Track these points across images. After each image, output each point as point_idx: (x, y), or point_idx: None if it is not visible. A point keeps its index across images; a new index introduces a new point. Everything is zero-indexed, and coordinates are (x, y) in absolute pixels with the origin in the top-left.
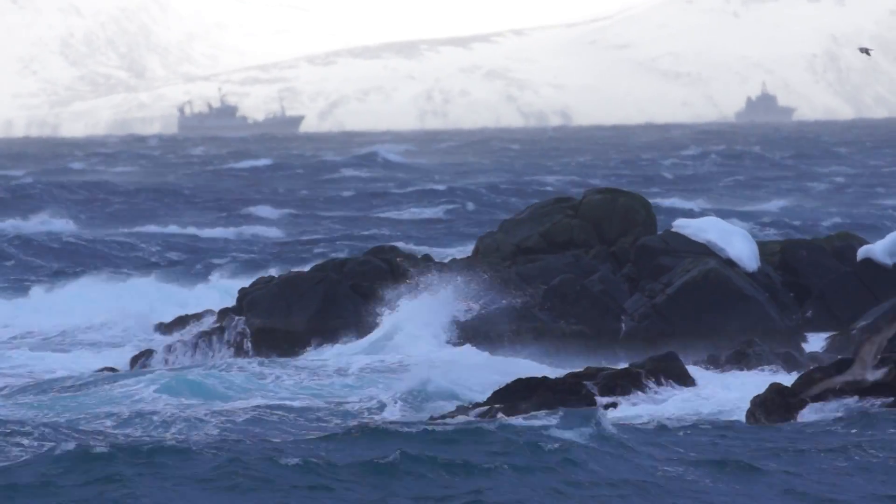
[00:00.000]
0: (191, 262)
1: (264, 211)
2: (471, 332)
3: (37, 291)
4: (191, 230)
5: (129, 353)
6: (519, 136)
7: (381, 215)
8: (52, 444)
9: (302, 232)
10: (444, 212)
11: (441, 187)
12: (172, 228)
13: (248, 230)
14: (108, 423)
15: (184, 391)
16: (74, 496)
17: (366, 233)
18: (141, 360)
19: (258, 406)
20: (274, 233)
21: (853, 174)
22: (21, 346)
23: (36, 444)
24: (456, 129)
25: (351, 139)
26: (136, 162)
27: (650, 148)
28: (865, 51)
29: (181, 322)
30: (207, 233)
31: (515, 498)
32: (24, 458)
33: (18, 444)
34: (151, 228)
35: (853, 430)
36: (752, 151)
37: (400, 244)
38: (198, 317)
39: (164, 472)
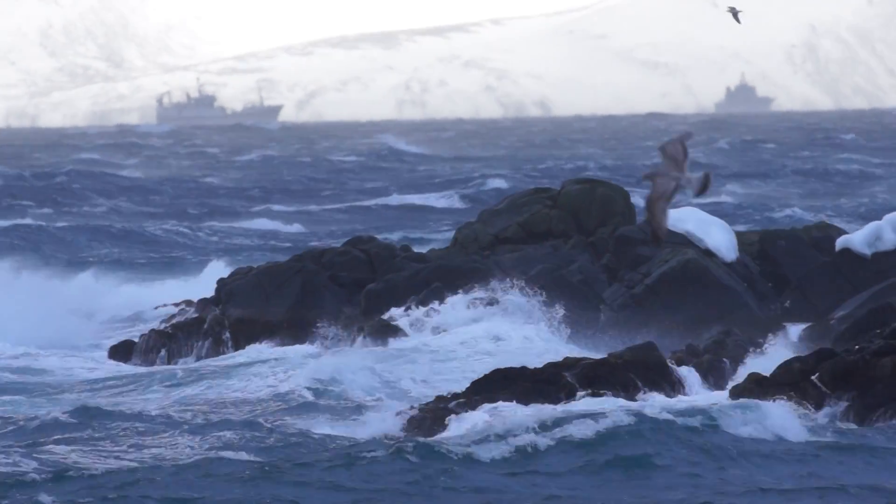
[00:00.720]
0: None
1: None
2: None
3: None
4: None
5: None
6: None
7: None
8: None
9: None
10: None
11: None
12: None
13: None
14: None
15: None
16: None
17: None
18: (121, 351)
19: None
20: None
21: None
22: None
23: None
24: (437, 118)
25: (357, 129)
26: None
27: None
28: (733, 11)
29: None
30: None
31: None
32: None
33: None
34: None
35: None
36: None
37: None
38: (176, 307)
39: None
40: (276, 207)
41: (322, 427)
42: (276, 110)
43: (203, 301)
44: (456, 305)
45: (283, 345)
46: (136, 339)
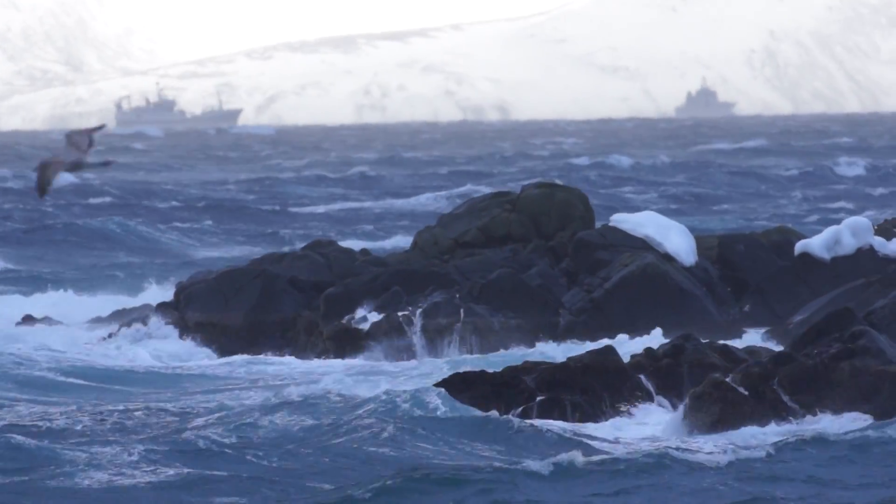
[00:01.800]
0: None
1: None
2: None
3: None
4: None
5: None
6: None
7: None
8: None
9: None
10: None
11: None
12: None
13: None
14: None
15: None
16: None
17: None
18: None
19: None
20: None
21: None
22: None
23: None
24: (393, 121)
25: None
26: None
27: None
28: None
29: (119, 316)
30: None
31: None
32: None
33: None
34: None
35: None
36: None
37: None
38: (136, 311)
39: None
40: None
41: (298, 419)
42: (235, 114)
43: (162, 305)
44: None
45: (244, 350)
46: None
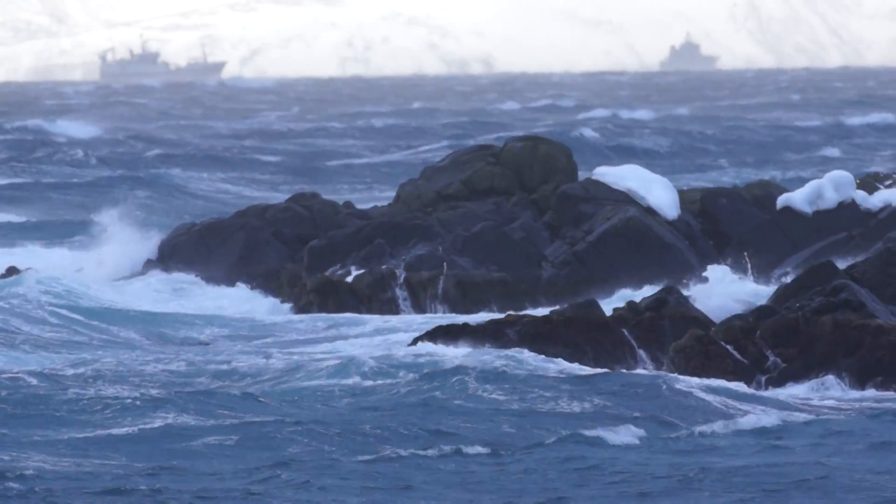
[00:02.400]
0: None
1: None
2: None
3: None
4: None
5: None
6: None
7: None
8: None
9: None
10: None
11: None
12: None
13: None
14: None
15: None
16: None
17: None
18: None
19: None
20: None
21: None
22: None
23: None
24: (377, 75)
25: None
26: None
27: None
28: None
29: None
30: None
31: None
32: None
33: None
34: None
35: None
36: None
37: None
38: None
39: None
40: None
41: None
42: (219, 67)
43: (147, 261)
44: None
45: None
46: None
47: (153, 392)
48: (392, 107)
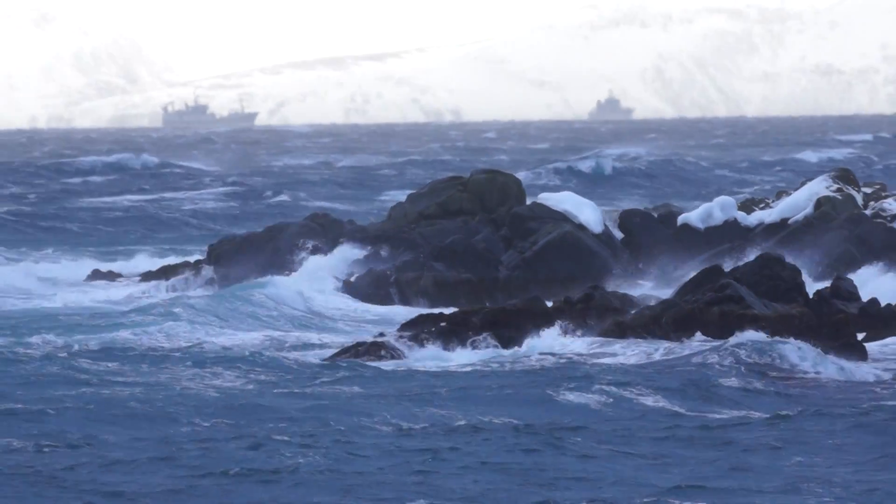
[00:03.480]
0: None
1: None
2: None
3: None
4: None
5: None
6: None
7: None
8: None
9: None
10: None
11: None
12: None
13: None
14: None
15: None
16: None
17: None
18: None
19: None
20: None
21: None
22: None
23: None
24: (374, 123)
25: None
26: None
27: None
28: None
29: (165, 271)
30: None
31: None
32: None
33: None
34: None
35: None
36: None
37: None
38: (178, 266)
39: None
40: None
41: (285, 350)
42: (253, 116)
43: (197, 262)
44: None
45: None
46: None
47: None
48: (410, 148)
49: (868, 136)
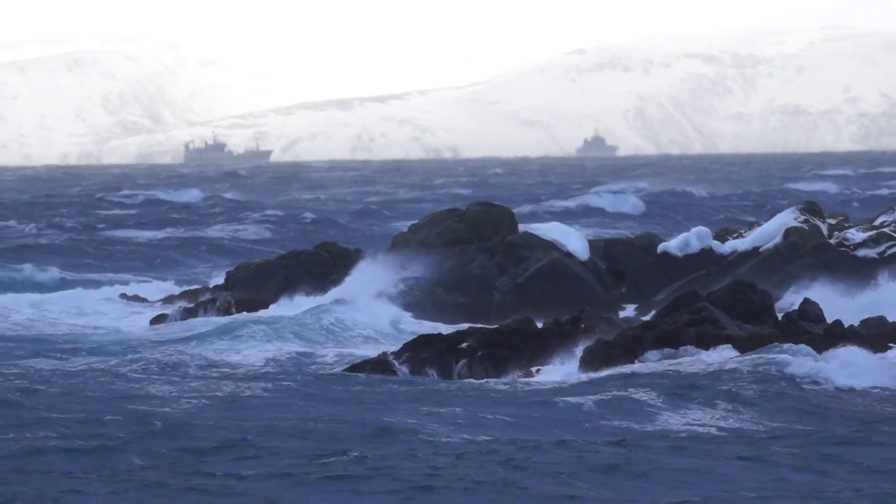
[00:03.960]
0: None
1: None
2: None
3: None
4: None
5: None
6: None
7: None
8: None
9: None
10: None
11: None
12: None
13: None
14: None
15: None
16: None
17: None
18: (161, 320)
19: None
20: None
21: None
22: None
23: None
24: (379, 159)
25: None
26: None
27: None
28: None
29: (184, 295)
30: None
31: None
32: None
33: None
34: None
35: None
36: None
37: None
38: (196, 292)
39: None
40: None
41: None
42: (267, 153)
43: (216, 286)
44: None
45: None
46: (169, 313)
47: None
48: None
49: (848, 171)
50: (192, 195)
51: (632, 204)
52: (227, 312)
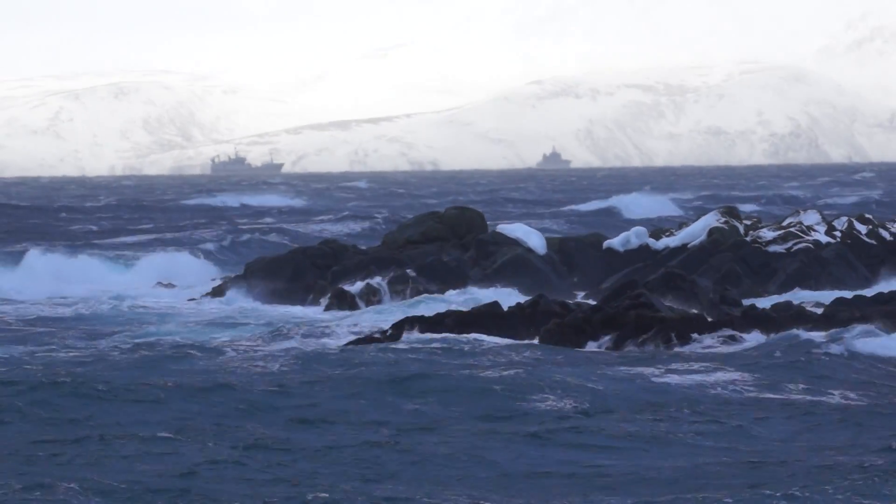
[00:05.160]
0: None
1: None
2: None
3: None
4: None
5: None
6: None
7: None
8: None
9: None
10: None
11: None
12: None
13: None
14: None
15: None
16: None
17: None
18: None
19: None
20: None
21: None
22: None
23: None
24: (372, 171)
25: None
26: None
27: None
28: None
29: (217, 283)
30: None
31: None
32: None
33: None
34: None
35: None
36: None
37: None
38: (226, 280)
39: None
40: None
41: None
42: (280, 166)
43: (237, 276)
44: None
45: (284, 303)
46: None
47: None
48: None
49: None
50: (273, 200)
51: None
52: (246, 299)
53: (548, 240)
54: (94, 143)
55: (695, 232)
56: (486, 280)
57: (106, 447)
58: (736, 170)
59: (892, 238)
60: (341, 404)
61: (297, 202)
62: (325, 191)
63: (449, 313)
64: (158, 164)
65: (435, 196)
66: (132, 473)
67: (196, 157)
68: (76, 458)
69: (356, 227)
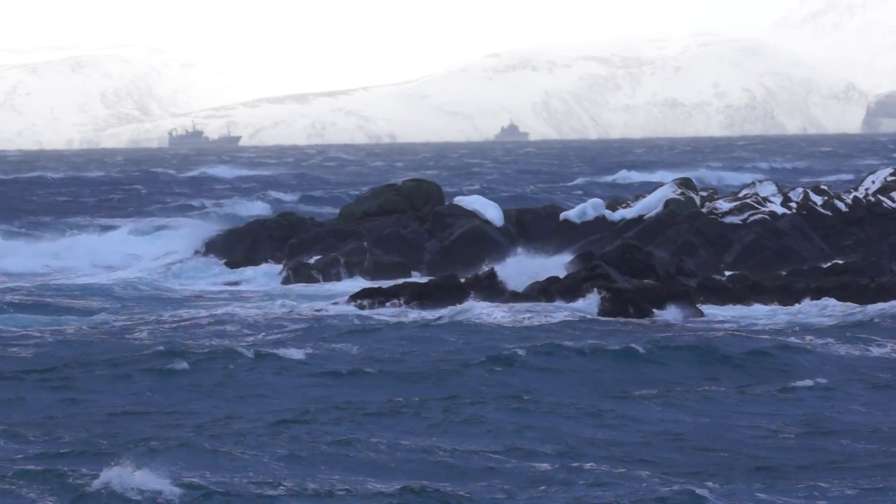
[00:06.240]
0: None
1: None
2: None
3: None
4: None
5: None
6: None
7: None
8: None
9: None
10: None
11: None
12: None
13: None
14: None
15: None
16: None
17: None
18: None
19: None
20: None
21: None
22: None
23: None
24: (329, 144)
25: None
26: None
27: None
28: None
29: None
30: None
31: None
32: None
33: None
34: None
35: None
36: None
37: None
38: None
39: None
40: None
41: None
42: (237, 139)
43: (196, 252)
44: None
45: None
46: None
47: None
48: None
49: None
50: (237, 174)
51: None
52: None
53: (505, 211)
54: (52, 116)
55: (651, 203)
56: (444, 252)
57: None
58: (693, 142)
59: (846, 209)
60: None
61: (255, 173)
62: (282, 163)
63: (407, 284)
64: (116, 137)
65: (392, 170)
66: None
67: (153, 131)
68: None
69: (313, 198)
